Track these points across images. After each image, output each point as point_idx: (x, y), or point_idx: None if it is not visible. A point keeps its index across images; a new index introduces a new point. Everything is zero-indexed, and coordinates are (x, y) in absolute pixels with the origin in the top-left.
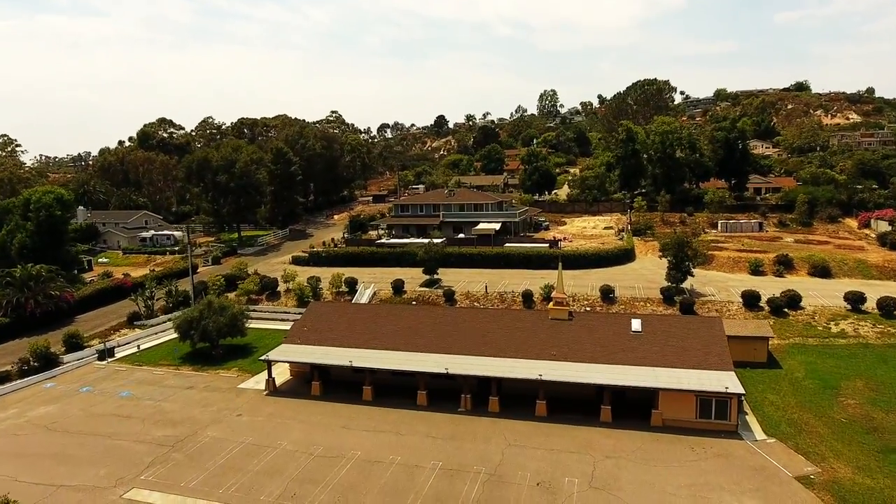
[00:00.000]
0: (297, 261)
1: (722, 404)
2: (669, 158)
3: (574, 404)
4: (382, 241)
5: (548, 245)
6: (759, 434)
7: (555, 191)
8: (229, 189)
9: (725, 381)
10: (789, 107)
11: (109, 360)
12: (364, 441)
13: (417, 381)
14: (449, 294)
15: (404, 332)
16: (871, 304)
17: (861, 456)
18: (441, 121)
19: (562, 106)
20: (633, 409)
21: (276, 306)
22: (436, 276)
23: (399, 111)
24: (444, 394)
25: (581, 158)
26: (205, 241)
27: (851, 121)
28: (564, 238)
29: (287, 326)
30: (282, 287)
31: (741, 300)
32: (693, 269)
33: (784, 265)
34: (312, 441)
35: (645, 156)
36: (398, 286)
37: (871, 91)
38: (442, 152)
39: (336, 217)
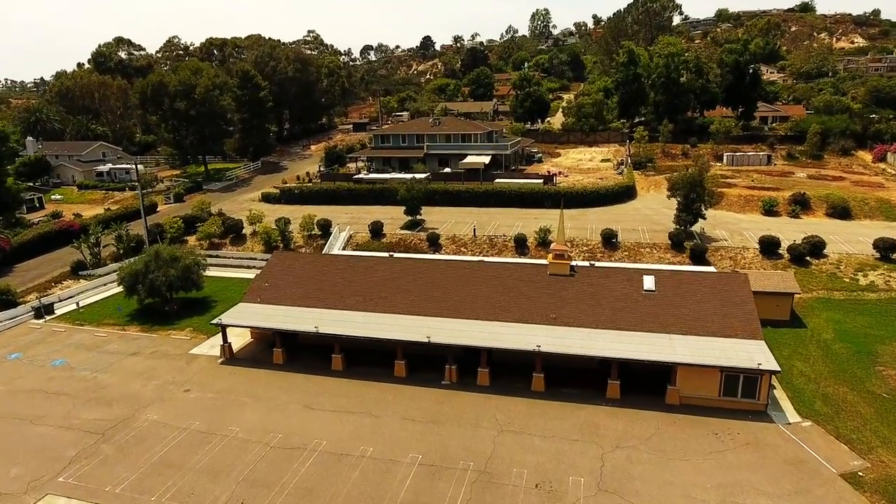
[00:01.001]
0: (267, 198)
1: (751, 381)
2: (673, 84)
3: (575, 376)
4: (360, 176)
5: (542, 181)
6: (791, 415)
7: (548, 119)
8: (190, 117)
9: (756, 354)
10: (793, 29)
11: (47, 318)
12: (331, 426)
13: (395, 349)
14: (433, 238)
15: (381, 289)
16: None
17: None
18: (427, 42)
19: (554, 27)
20: (644, 382)
21: (242, 251)
22: (418, 217)
23: (384, 32)
24: (426, 363)
25: (575, 83)
26: (168, 175)
27: (857, 45)
28: (560, 173)
29: (253, 274)
30: (248, 230)
31: (758, 246)
32: (705, 211)
33: (800, 205)
34: (270, 426)
35: (647, 81)
36: (377, 229)
37: (876, 13)
38: (428, 76)
39: (313, 148)
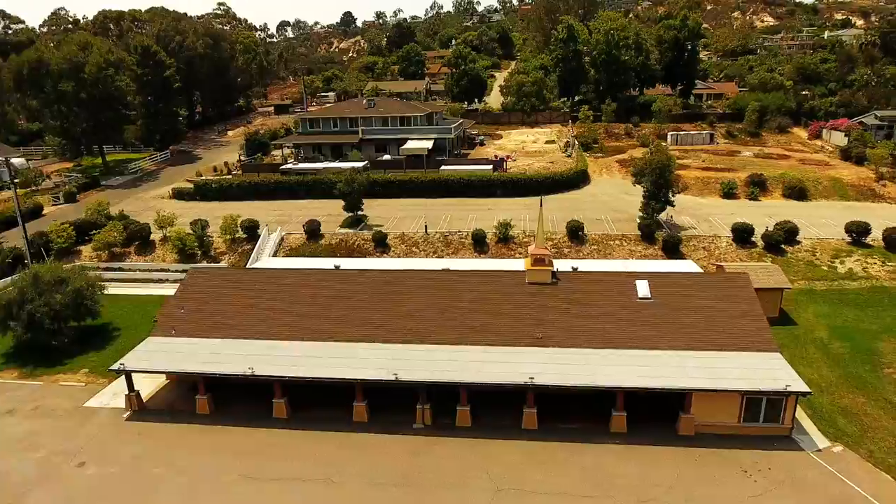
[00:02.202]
0: (179, 194)
1: (775, 403)
2: (614, 61)
3: (571, 406)
4: (289, 166)
5: (491, 167)
6: (818, 438)
7: (485, 99)
8: (81, 101)
9: (778, 372)
10: (709, 8)
11: None
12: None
13: (354, 389)
14: (379, 238)
15: (330, 312)
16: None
17: None
18: (348, 18)
19: (478, 3)
20: (650, 407)
21: (151, 262)
22: (360, 213)
23: (301, 7)
24: (392, 400)
25: (505, 61)
26: (58, 169)
27: (766, 23)
28: (508, 157)
29: (169, 291)
30: (157, 235)
31: (730, 234)
32: (673, 198)
33: (758, 186)
34: None
35: (587, 58)
36: (314, 229)
37: None
38: (351, 54)
39: (230, 133)
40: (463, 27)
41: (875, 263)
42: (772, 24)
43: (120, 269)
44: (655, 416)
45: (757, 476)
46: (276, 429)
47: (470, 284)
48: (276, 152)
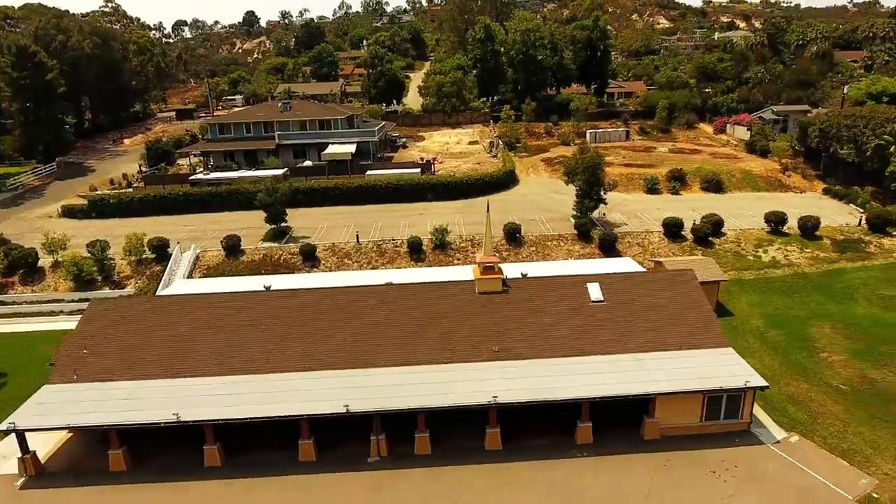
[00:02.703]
0: (70, 212)
1: (734, 399)
2: (531, 61)
3: (534, 420)
4: (199, 176)
5: (419, 171)
6: (774, 429)
7: (403, 100)
8: None
9: (735, 367)
10: (610, 10)
11: None
12: None
13: (299, 426)
14: (308, 251)
15: (263, 340)
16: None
17: None
18: (251, 18)
19: (387, 4)
20: (613, 413)
21: (41, 292)
22: (284, 225)
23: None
24: (343, 432)
25: (419, 62)
26: None
27: (662, 26)
28: (434, 159)
29: (65, 324)
30: (46, 260)
31: (661, 230)
32: (605, 196)
33: (678, 181)
34: None
35: (505, 58)
36: (233, 244)
37: None
38: (256, 55)
39: (127, 142)
40: (373, 27)
41: (794, 251)
42: (667, 26)
43: (2, 304)
44: (619, 422)
45: (725, 475)
46: (209, 480)
47: (417, 298)
48: (183, 161)
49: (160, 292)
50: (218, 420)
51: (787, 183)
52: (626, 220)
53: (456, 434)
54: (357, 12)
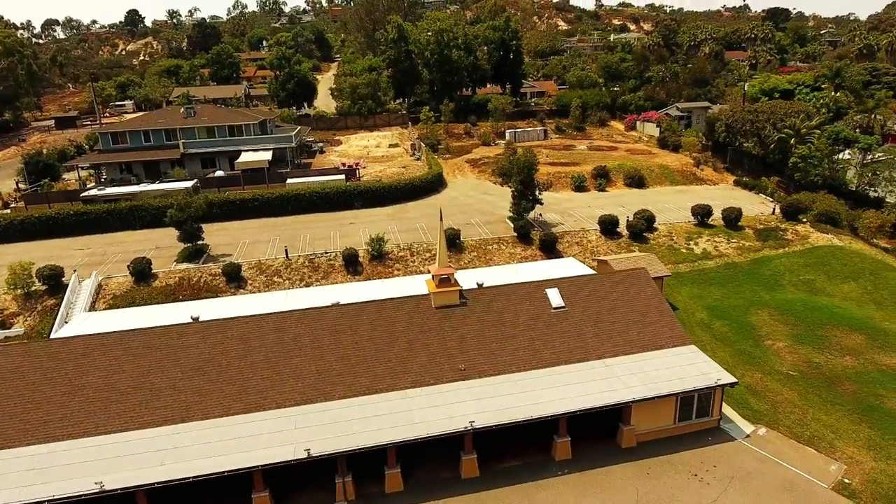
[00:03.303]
0: None
1: (705, 398)
2: (447, 61)
3: (507, 439)
4: (93, 192)
5: (343, 177)
6: (741, 423)
7: (314, 103)
8: None
9: (702, 365)
10: (511, 11)
11: None
12: None
13: (251, 477)
14: (232, 271)
15: (196, 381)
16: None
17: (858, 428)
18: (134, 17)
19: (284, 3)
20: (586, 424)
21: None
22: (200, 243)
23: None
24: (302, 479)
25: (325, 64)
26: None
27: (560, 28)
28: (357, 164)
29: None
30: None
31: (597, 227)
32: (541, 196)
33: (604, 178)
34: None
35: (420, 59)
36: (143, 268)
37: (565, 0)
38: (143, 57)
39: None
40: (272, 28)
41: (722, 242)
42: (566, 28)
43: None
44: (594, 431)
45: (707, 477)
46: None
47: (369, 318)
48: (70, 176)
49: (58, 330)
50: (153, 484)
51: (701, 176)
52: (561, 219)
53: (428, 464)
54: (253, 12)
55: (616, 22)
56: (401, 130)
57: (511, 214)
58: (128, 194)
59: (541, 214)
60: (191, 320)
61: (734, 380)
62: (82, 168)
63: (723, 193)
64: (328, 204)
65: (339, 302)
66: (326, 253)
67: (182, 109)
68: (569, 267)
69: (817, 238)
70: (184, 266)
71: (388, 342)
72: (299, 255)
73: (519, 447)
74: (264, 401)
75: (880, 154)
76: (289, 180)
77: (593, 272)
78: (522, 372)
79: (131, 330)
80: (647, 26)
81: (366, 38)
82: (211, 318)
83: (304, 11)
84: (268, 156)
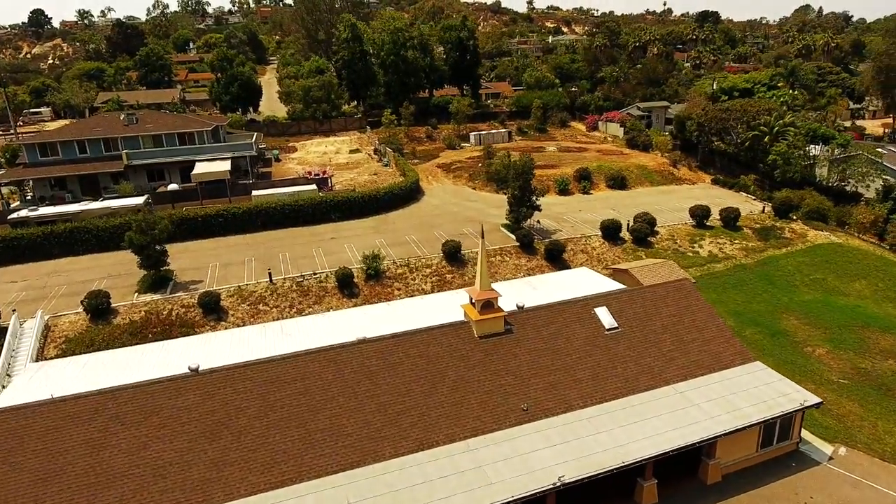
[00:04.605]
0: None
1: (786, 421)
2: (403, 62)
3: (583, 488)
4: (24, 213)
5: (315, 187)
6: (818, 443)
7: (260, 107)
8: None
9: (780, 386)
10: (447, 13)
11: None
12: None
13: None
14: (209, 301)
15: (207, 452)
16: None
17: None
18: (40, 18)
19: (207, 4)
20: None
21: None
22: (164, 269)
23: None
24: None
25: (260, 66)
26: None
27: (497, 30)
28: (324, 172)
29: None
30: None
31: (599, 233)
32: (538, 202)
33: (587, 180)
34: None
35: (375, 60)
36: (100, 303)
37: (498, 3)
38: (52, 61)
39: None
40: (196, 29)
41: (726, 243)
42: (504, 30)
43: None
44: (673, 467)
45: None
46: None
47: (406, 355)
48: None
49: (2, 391)
50: None
51: (679, 175)
52: (557, 225)
53: None
54: (175, 12)
55: (549, 24)
56: (359, 135)
57: (507, 222)
58: (66, 214)
59: (538, 221)
60: (189, 372)
61: (819, 400)
62: (3, 185)
63: (704, 193)
64: (302, 217)
65: (364, 337)
66: (315, 274)
67: (122, 116)
68: (587, 278)
69: (815, 236)
70: (149, 297)
71: (434, 383)
72: (284, 278)
73: (598, 495)
74: (300, 470)
75: (853, 151)
76: (254, 192)
77: (620, 284)
78: (591, 407)
79: (112, 390)
80: (579, 29)
81: (307, 39)
82: (212, 367)
83: (231, 12)
84: (227, 166)
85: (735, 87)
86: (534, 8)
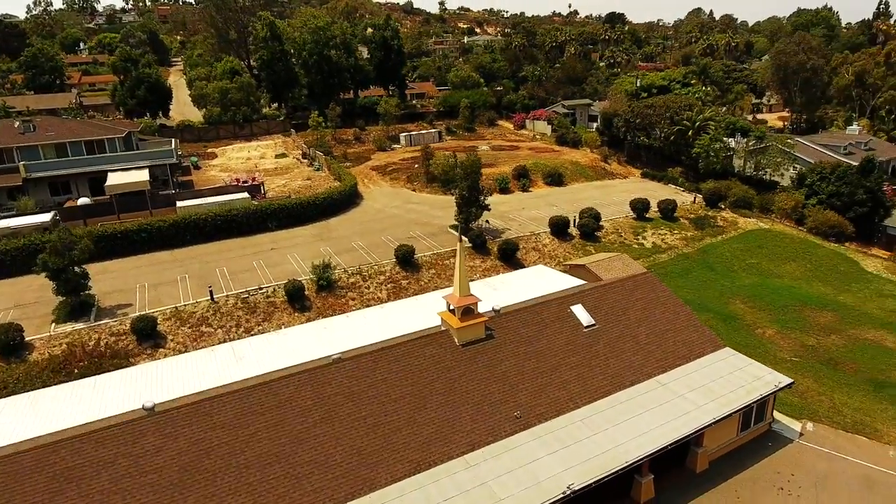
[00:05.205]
0: None
1: (762, 403)
2: (327, 62)
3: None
4: None
5: (247, 195)
6: (787, 421)
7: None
8: None
9: (754, 370)
10: (361, 13)
11: None
12: None
13: None
14: (144, 327)
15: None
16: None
17: (883, 407)
18: None
19: (97, 1)
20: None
21: None
22: (85, 294)
23: None
24: None
25: (162, 68)
26: None
27: (413, 30)
28: (255, 179)
29: None
30: None
31: (547, 230)
32: (487, 202)
33: (525, 177)
34: None
35: (297, 60)
36: (10, 339)
37: (410, 3)
38: None
39: None
40: (86, 28)
41: (666, 234)
42: (420, 29)
43: None
44: (660, 460)
45: (794, 490)
46: None
47: (389, 371)
48: None
49: None
50: None
51: (611, 170)
52: (504, 224)
53: None
54: (61, 10)
55: (462, 25)
56: (283, 138)
57: (455, 223)
58: None
59: (487, 221)
60: (144, 411)
61: (790, 380)
62: None
63: (637, 186)
64: (236, 228)
65: (340, 356)
66: (261, 288)
67: (17, 123)
68: (546, 276)
69: (745, 223)
70: (69, 327)
71: (422, 397)
72: (227, 295)
73: (599, 497)
74: None
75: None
76: (180, 203)
77: (579, 280)
78: (582, 408)
79: (52, 442)
80: (491, 30)
81: (217, 39)
82: (169, 403)
83: (125, 10)
84: (146, 175)
85: (653, 85)
86: (445, 9)
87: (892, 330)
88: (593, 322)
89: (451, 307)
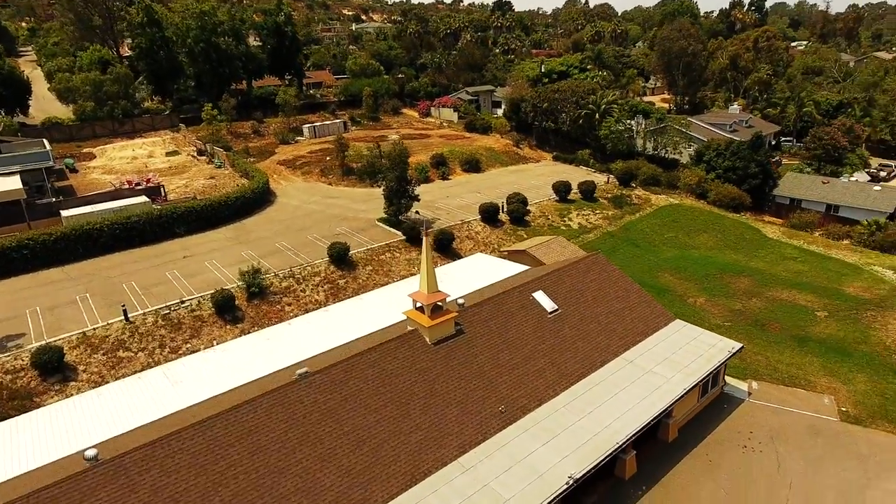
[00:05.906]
0: None
1: (717, 371)
2: (215, 49)
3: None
4: None
5: (146, 199)
6: (735, 382)
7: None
8: None
9: (707, 338)
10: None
11: None
12: None
13: None
14: (49, 359)
15: None
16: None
17: (809, 360)
18: None
19: None
20: None
21: None
22: None
23: None
24: None
25: (11, 58)
26: None
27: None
28: (149, 180)
29: None
30: None
31: (478, 217)
32: (416, 192)
33: (444, 166)
34: None
35: (181, 48)
36: None
37: None
38: None
39: None
40: None
41: (590, 214)
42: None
43: None
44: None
45: (756, 445)
46: None
47: (364, 381)
48: None
49: None
50: None
51: (524, 155)
52: (433, 213)
53: None
54: None
55: (346, 12)
56: (172, 134)
57: (384, 216)
58: None
59: (417, 212)
60: (87, 462)
61: (740, 345)
62: None
63: (550, 169)
64: (138, 236)
65: (306, 370)
66: (183, 302)
67: None
68: (488, 264)
69: (657, 199)
70: None
71: (403, 404)
72: (144, 313)
73: (586, 481)
74: None
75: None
76: (65, 213)
77: (522, 266)
78: (561, 394)
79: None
80: (377, 17)
81: (78, 25)
82: (108, 445)
83: None
84: (17, 183)
85: (553, 70)
86: None
87: (801, 289)
88: (556, 307)
89: (420, 305)
